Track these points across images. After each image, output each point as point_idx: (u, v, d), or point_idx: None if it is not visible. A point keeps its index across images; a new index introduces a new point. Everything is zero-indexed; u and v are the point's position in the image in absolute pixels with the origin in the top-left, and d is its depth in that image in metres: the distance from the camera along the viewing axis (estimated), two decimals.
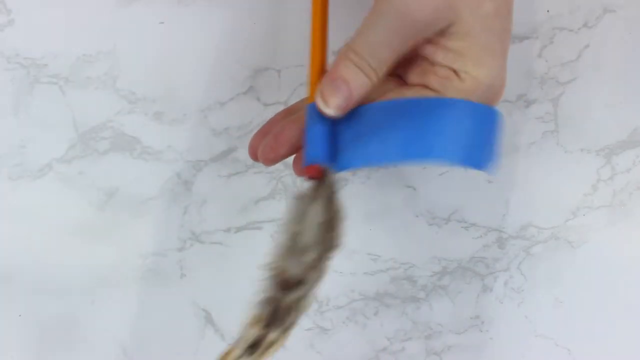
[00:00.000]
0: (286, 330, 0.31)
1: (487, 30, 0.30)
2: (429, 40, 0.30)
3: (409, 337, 0.42)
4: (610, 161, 0.42)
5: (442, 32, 0.30)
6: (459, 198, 0.42)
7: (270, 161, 0.33)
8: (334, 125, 0.31)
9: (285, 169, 0.42)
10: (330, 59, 0.42)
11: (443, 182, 0.42)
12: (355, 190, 0.42)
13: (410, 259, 0.42)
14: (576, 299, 0.42)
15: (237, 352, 0.31)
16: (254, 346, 0.31)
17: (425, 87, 0.30)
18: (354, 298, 0.42)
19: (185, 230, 0.42)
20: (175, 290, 0.43)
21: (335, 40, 0.42)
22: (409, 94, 0.30)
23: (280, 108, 0.42)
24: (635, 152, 0.42)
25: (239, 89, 0.42)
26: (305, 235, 0.30)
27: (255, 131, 0.42)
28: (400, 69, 0.32)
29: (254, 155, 0.34)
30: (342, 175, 0.42)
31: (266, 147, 0.33)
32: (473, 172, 0.42)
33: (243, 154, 0.42)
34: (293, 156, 0.34)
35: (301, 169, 0.32)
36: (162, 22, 0.42)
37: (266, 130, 0.34)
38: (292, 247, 0.30)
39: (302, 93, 0.42)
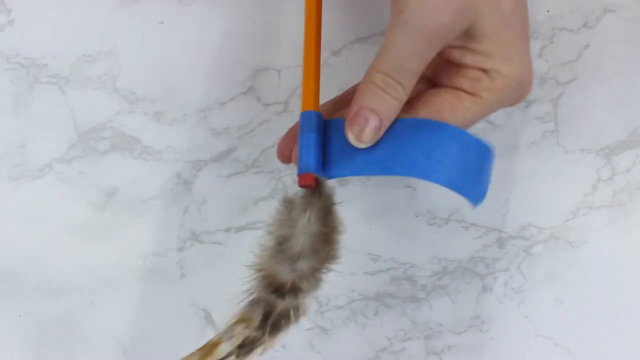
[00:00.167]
0: (277, 335, 0.31)
1: (509, 27, 0.30)
2: (454, 46, 0.30)
3: (409, 337, 0.42)
4: (610, 161, 0.42)
5: (466, 35, 0.29)
6: (459, 198, 0.42)
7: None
8: (326, 134, 0.31)
9: (285, 169, 0.42)
10: (330, 59, 0.42)
11: None
12: (355, 190, 0.42)
13: (410, 259, 0.42)
14: (576, 299, 0.42)
15: (226, 348, 0.31)
16: (242, 346, 0.31)
17: (457, 89, 0.30)
18: (354, 298, 0.42)
19: (185, 230, 0.42)
20: (175, 290, 0.42)
21: (335, 40, 0.42)
22: (441, 99, 0.30)
23: (280, 108, 0.42)
24: (635, 152, 0.42)
25: (239, 89, 0.42)
26: (297, 242, 0.30)
27: (254, 131, 0.42)
28: (428, 71, 0.31)
29: (286, 158, 0.33)
30: (337, 182, 0.42)
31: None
32: None
33: (243, 154, 0.42)
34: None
35: (300, 178, 0.31)
36: (162, 22, 0.42)
37: (293, 133, 0.34)
38: (281, 251, 0.30)
39: None
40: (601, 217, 0.42)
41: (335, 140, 0.31)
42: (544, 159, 0.42)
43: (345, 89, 0.34)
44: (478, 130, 0.42)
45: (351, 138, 0.29)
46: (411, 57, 0.29)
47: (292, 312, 0.31)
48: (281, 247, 0.30)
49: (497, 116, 0.42)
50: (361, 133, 0.29)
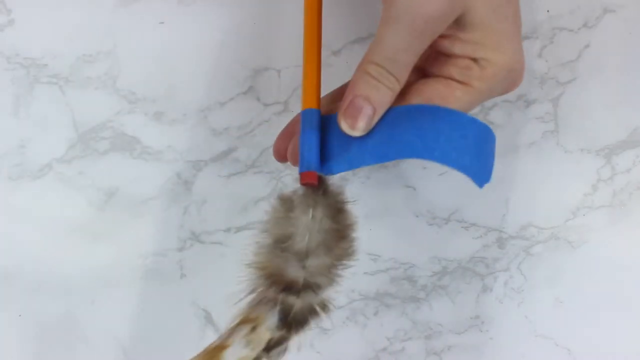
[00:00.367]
0: (302, 331, 0.31)
1: (500, 15, 0.30)
2: (444, 35, 0.30)
3: (409, 337, 0.42)
4: (610, 161, 0.42)
5: (456, 24, 0.30)
6: (459, 198, 0.42)
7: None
8: (325, 131, 0.31)
9: (285, 169, 0.42)
10: (330, 59, 0.42)
11: (443, 182, 0.42)
12: (355, 190, 0.42)
13: (410, 259, 0.42)
14: (576, 299, 0.42)
15: (242, 352, 0.30)
16: (269, 348, 0.31)
17: (448, 78, 0.30)
18: (354, 298, 0.42)
19: (185, 230, 0.42)
20: (175, 290, 0.42)
21: (336, 41, 0.42)
22: (432, 88, 0.30)
23: (280, 108, 0.42)
24: (635, 152, 0.42)
25: (239, 89, 0.42)
26: (301, 240, 0.30)
27: (254, 131, 0.42)
28: (419, 61, 0.31)
29: (281, 157, 0.34)
30: (341, 178, 0.42)
31: (295, 146, 0.32)
32: None
33: (243, 154, 0.42)
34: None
35: (302, 176, 0.31)
36: (162, 22, 0.42)
37: (289, 131, 0.34)
38: (284, 249, 0.30)
39: None
40: (601, 217, 0.42)
41: (330, 136, 0.31)
42: (544, 159, 0.42)
43: None
44: None
45: (345, 127, 0.29)
46: (404, 49, 0.29)
47: (317, 308, 0.30)
48: (283, 245, 0.30)
49: (497, 116, 0.42)
50: (355, 121, 0.29)
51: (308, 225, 0.30)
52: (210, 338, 0.43)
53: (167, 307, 0.43)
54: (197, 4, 0.42)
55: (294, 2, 0.42)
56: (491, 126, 0.42)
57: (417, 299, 0.42)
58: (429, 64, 0.32)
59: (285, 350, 0.30)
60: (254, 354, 0.30)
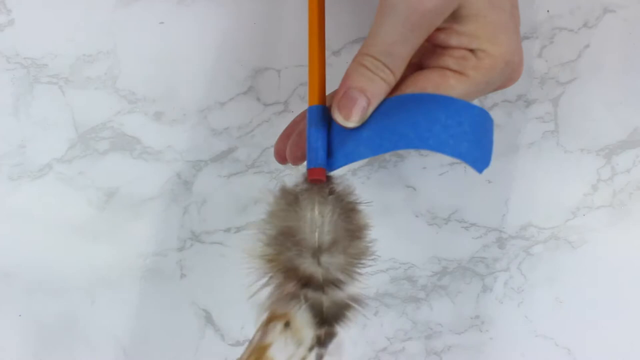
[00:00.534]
0: (344, 324, 0.30)
1: (496, 8, 0.30)
2: (439, 28, 0.30)
3: (409, 337, 0.42)
4: (610, 161, 0.42)
5: (451, 16, 0.29)
6: (459, 198, 0.42)
7: (298, 159, 0.32)
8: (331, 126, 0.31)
9: (285, 169, 0.42)
10: (330, 59, 0.42)
11: (443, 182, 0.42)
12: (355, 190, 0.42)
13: (410, 259, 0.42)
14: (576, 299, 0.42)
15: (298, 351, 0.30)
16: (323, 344, 0.30)
17: (443, 68, 0.30)
18: None
19: (185, 230, 0.42)
20: (175, 290, 0.42)
21: (336, 40, 0.42)
22: (426, 78, 0.30)
23: (280, 108, 0.42)
24: (635, 152, 0.42)
25: (239, 89, 0.42)
26: (312, 235, 0.30)
27: (254, 131, 0.42)
28: (416, 57, 0.31)
29: (282, 159, 0.33)
30: (341, 178, 0.42)
31: (292, 145, 0.32)
32: (473, 172, 0.42)
33: (243, 154, 0.42)
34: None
35: (310, 172, 0.31)
36: (162, 22, 0.42)
37: (289, 132, 0.34)
38: (295, 243, 0.30)
39: (302, 93, 0.42)
40: (601, 217, 0.42)
41: (330, 133, 0.31)
42: (544, 159, 0.42)
43: None
44: None
45: (339, 119, 0.29)
46: (399, 42, 0.29)
47: (350, 302, 0.30)
48: (292, 238, 0.30)
49: (497, 116, 0.42)
50: (349, 112, 0.29)
51: (316, 221, 0.30)
52: (210, 338, 0.43)
53: (167, 307, 0.43)
54: (197, 4, 0.42)
55: (294, 2, 0.42)
56: None
57: (417, 299, 0.42)
58: (426, 58, 0.31)
59: (340, 344, 0.30)
60: (302, 351, 0.30)
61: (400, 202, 0.42)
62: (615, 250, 0.42)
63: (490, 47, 0.30)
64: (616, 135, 0.42)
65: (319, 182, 0.30)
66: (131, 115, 0.42)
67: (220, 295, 0.43)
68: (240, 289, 0.43)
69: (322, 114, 0.31)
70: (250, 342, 0.30)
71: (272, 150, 0.42)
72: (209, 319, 0.43)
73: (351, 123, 0.29)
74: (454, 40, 0.30)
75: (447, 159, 0.42)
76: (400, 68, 0.29)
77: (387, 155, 0.42)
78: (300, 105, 0.42)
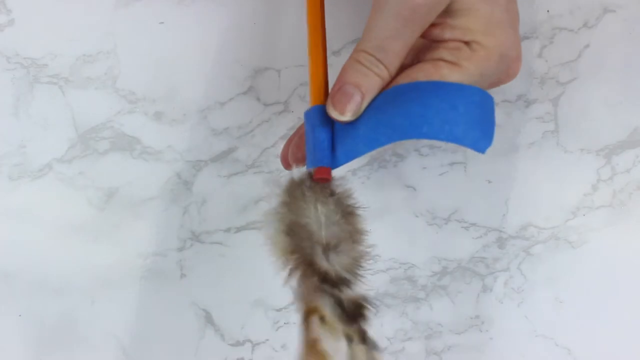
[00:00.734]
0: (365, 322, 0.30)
1: (489, 2, 0.30)
2: (434, 24, 0.30)
3: (409, 337, 0.42)
4: (610, 161, 0.42)
5: (446, 12, 0.30)
6: (459, 198, 0.42)
7: (299, 161, 0.32)
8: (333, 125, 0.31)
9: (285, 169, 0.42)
10: (330, 59, 0.42)
11: (443, 182, 0.42)
12: (355, 190, 0.42)
13: (410, 259, 0.42)
14: (576, 299, 0.42)
15: (340, 345, 0.29)
16: (365, 340, 0.30)
17: (437, 60, 0.30)
18: None
19: (185, 230, 0.42)
20: (175, 290, 0.42)
21: (336, 40, 0.42)
22: (419, 69, 0.30)
23: (280, 108, 0.42)
24: (635, 152, 0.42)
25: (239, 89, 0.42)
26: (319, 233, 0.30)
27: (254, 131, 0.42)
28: (413, 55, 0.31)
29: (287, 164, 0.34)
30: (341, 178, 0.42)
31: (293, 147, 0.33)
32: (473, 172, 0.42)
33: (243, 154, 0.42)
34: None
35: (316, 171, 0.31)
36: (162, 22, 0.42)
37: (295, 138, 0.34)
38: (307, 236, 0.30)
39: (302, 93, 0.42)
40: (601, 217, 0.42)
41: (338, 126, 0.31)
42: (544, 159, 0.42)
43: None
44: None
45: (333, 113, 0.30)
46: (392, 37, 0.29)
47: (363, 303, 0.30)
48: (306, 232, 0.30)
49: (497, 116, 0.42)
50: (344, 107, 0.29)
51: (320, 220, 0.30)
52: (210, 338, 0.43)
53: (167, 307, 0.43)
54: (197, 4, 0.42)
55: (294, 2, 0.42)
56: None
57: (417, 299, 0.42)
58: (422, 54, 0.31)
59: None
60: (343, 344, 0.30)
61: (400, 202, 0.42)
62: (615, 250, 0.42)
63: (484, 39, 0.30)
64: (616, 135, 0.42)
65: (325, 181, 0.30)
66: (131, 115, 0.42)
67: (220, 295, 0.43)
68: (240, 289, 0.43)
69: (325, 113, 0.31)
70: (301, 339, 0.30)
71: (272, 150, 0.42)
72: (209, 319, 0.43)
73: (345, 117, 0.29)
74: (447, 34, 0.30)
75: (447, 158, 0.42)
76: (394, 63, 0.29)
77: (387, 155, 0.42)
78: (300, 105, 0.42)
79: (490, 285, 0.42)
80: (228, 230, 0.42)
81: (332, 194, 0.31)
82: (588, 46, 0.42)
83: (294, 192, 0.31)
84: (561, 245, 0.42)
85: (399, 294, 0.42)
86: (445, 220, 0.42)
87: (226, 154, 0.42)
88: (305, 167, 0.31)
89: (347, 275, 0.30)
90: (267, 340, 0.42)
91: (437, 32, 0.30)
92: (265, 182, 0.42)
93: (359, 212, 0.31)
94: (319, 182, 0.31)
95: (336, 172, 0.31)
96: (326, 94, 0.32)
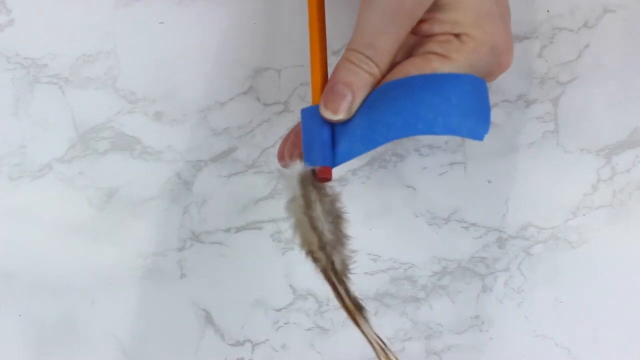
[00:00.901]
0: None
1: None
2: (423, 19, 0.30)
3: (409, 337, 0.42)
4: (610, 161, 0.42)
5: (433, 7, 0.30)
6: (459, 198, 0.42)
7: (295, 157, 0.32)
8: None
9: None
10: (330, 59, 0.42)
11: (443, 182, 0.42)
12: (356, 190, 0.42)
13: (410, 259, 0.42)
14: (576, 299, 0.42)
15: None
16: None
17: (427, 53, 0.30)
18: None
19: (185, 230, 0.42)
20: (175, 290, 0.42)
21: (335, 40, 0.42)
22: (410, 63, 0.30)
23: (280, 108, 0.42)
24: (635, 152, 0.42)
25: (239, 89, 0.42)
26: (323, 230, 0.30)
27: (254, 131, 0.42)
28: (405, 53, 0.32)
29: (285, 161, 0.33)
30: (338, 183, 0.42)
31: (290, 144, 0.33)
32: (473, 172, 0.42)
33: (243, 154, 0.42)
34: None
35: (319, 169, 0.31)
36: (162, 22, 0.42)
37: (293, 136, 0.34)
38: (321, 234, 0.30)
39: (302, 93, 0.42)
40: (601, 217, 0.42)
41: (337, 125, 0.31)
42: (544, 159, 0.42)
43: None
44: None
45: (326, 113, 0.30)
46: (380, 34, 0.29)
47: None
48: (311, 226, 0.30)
49: (497, 116, 0.42)
50: (336, 107, 0.29)
51: (318, 219, 0.30)
52: (210, 338, 0.43)
53: (167, 307, 0.43)
54: (197, 4, 0.42)
55: (294, 2, 0.42)
56: (491, 126, 0.42)
57: (417, 299, 0.42)
58: (414, 50, 0.32)
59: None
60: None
61: (400, 202, 0.42)
62: (615, 250, 0.42)
63: (473, 31, 0.30)
64: (616, 135, 0.42)
65: (326, 180, 0.31)
66: (131, 115, 0.42)
67: (220, 295, 0.43)
68: (240, 289, 0.43)
69: None
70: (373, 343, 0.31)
71: (272, 150, 0.42)
72: (209, 319, 0.43)
73: (338, 117, 0.30)
74: (437, 28, 0.30)
75: (447, 158, 0.42)
76: (384, 60, 0.30)
77: (387, 155, 0.42)
78: (300, 105, 0.42)
79: (490, 285, 0.42)
80: (228, 230, 0.42)
81: (327, 195, 0.31)
82: (588, 46, 0.42)
83: (305, 185, 0.31)
84: (561, 245, 0.42)
85: (399, 294, 0.42)
86: (445, 220, 0.42)
87: (226, 154, 0.42)
88: (303, 164, 0.31)
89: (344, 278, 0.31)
90: (267, 340, 0.42)
91: (426, 28, 0.31)
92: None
93: (346, 216, 0.31)
94: (321, 181, 0.31)
95: (336, 173, 0.31)
96: None
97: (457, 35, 0.30)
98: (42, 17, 0.42)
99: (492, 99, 0.42)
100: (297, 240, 0.31)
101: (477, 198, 0.42)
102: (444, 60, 0.30)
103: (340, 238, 0.31)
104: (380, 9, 0.29)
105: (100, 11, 0.42)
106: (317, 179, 0.31)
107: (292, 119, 0.42)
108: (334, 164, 0.30)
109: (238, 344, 0.42)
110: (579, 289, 0.42)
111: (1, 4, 0.42)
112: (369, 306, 0.42)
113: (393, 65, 0.30)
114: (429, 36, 0.31)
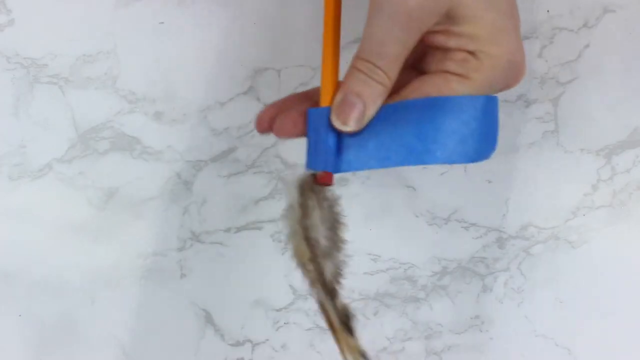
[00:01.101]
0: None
1: (492, 8, 0.29)
2: (437, 31, 0.30)
3: (409, 337, 0.42)
4: (610, 161, 0.42)
5: (448, 18, 0.29)
6: (459, 198, 0.42)
7: (285, 133, 0.31)
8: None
9: (285, 169, 0.42)
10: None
11: (443, 182, 0.42)
12: (355, 190, 0.42)
13: (410, 259, 0.42)
14: (576, 299, 0.42)
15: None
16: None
17: (445, 72, 0.30)
18: (354, 298, 0.42)
19: (185, 230, 0.42)
20: (175, 290, 0.42)
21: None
22: (429, 83, 0.30)
23: None
24: (635, 152, 0.42)
25: (239, 89, 0.42)
26: (320, 237, 0.30)
27: (254, 131, 0.42)
28: (417, 62, 0.31)
29: (263, 128, 0.32)
30: (337, 183, 0.42)
31: (287, 120, 0.31)
32: (473, 172, 0.42)
33: (243, 154, 0.42)
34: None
35: (320, 175, 0.31)
36: (162, 22, 0.42)
37: (280, 105, 0.33)
38: (315, 244, 0.30)
39: None
40: (601, 217, 0.42)
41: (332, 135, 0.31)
42: (544, 159, 0.42)
43: None
44: None
45: (337, 124, 0.29)
46: (389, 42, 0.29)
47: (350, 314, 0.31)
48: (313, 239, 0.30)
49: None
50: (347, 117, 0.29)
51: (317, 223, 0.30)
52: (210, 338, 0.43)
53: (167, 307, 0.43)
54: (197, 4, 0.42)
55: (294, 2, 0.42)
56: None
57: (417, 299, 0.42)
58: (427, 62, 0.31)
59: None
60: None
61: (400, 202, 0.42)
62: (615, 250, 0.42)
63: (490, 47, 0.30)
64: (616, 135, 0.42)
65: (327, 185, 0.31)
66: (131, 115, 0.42)
67: (220, 295, 0.43)
68: (240, 289, 0.43)
69: None
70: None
71: (272, 150, 0.42)
72: (209, 319, 0.43)
73: (349, 127, 0.29)
74: (452, 42, 0.30)
75: None
76: (393, 69, 0.29)
77: None
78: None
79: (490, 285, 0.42)
80: (228, 230, 0.42)
81: (326, 198, 0.31)
82: (588, 46, 0.42)
83: (304, 192, 0.31)
84: (561, 245, 0.42)
85: (399, 294, 0.42)
86: (445, 220, 0.42)
87: (226, 154, 0.42)
88: (305, 166, 0.31)
89: (335, 285, 0.31)
90: (267, 340, 0.42)
91: (441, 40, 0.30)
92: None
93: (344, 221, 0.31)
94: (321, 185, 0.31)
95: (336, 174, 0.31)
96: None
97: (472, 53, 0.30)
98: (42, 17, 0.42)
99: None
100: (290, 251, 0.31)
101: (477, 198, 0.42)
102: (464, 81, 0.30)
103: (336, 243, 0.31)
104: (389, 17, 0.29)
105: (100, 11, 0.42)
106: (317, 183, 0.31)
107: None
108: (337, 171, 0.30)
109: (238, 344, 0.42)
110: (579, 289, 0.42)
111: (1, 4, 0.42)
112: (369, 306, 0.43)
113: (402, 71, 0.30)
114: (443, 49, 0.30)
